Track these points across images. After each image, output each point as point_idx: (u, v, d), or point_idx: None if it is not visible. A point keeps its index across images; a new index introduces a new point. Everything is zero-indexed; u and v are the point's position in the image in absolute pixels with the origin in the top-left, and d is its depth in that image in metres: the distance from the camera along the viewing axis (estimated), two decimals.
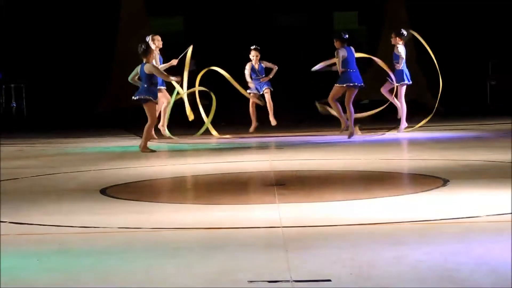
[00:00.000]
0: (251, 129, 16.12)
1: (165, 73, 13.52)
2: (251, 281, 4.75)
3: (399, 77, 15.25)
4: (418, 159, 11.22)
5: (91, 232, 6.47)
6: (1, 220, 6.93)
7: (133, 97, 13.02)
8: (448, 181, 8.70)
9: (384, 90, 15.46)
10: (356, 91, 14.80)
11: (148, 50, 12.95)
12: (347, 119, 14.71)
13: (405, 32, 15.40)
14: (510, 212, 6.72)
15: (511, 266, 4.93)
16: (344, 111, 14.84)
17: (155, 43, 14.77)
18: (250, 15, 26.86)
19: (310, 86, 24.37)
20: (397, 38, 15.30)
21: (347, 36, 14.90)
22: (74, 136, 17.05)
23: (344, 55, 14.63)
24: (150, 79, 12.91)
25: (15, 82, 22.62)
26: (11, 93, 22.53)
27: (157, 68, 13.21)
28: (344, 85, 14.76)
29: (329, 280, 4.73)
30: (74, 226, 6.69)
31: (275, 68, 15.97)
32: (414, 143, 13.71)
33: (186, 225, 6.68)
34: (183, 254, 5.56)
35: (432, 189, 8.27)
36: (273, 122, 16.07)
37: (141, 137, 13.29)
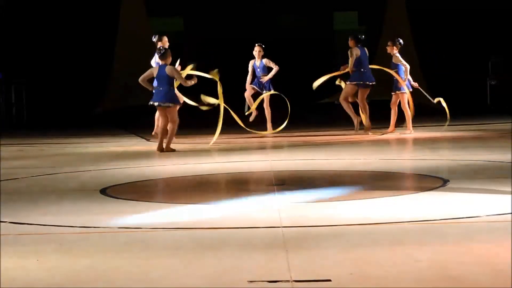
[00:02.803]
0: (252, 118, 16.01)
1: (184, 78, 13.40)
2: (251, 281, 4.75)
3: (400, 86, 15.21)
4: (418, 159, 11.23)
5: (91, 232, 6.47)
6: (1, 220, 6.94)
7: (154, 103, 12.89)
8: (448, 181, 8.70)
9: (395, 105, 15.35)
10: (368, 90, 14.83)
11: (166, 53, 13.02)
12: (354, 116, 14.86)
13: (401, 41, 15.37)
14: (510, 212, 6.72)
15: (511, 266, 4.93)
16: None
17: (163, 44, 14.63)
18: (250, 15, 26.86)
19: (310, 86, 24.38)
20: (394, 47, 15.25)
21: (363, 36, 14.96)
22: (74, 136, 17.05)
23: (358, 53, 14.66)
24: (171, 82, 12.93)
25: (16, 82, 22.60)
26: (11, 93, 22.51)
27: (178, 72, 13.21)
28: (355, 83, 14.78)
29: (329, 280, 4.73)
30: (74, 226, 6.70)
31: (276, 68, 15.86)
32: (414, 143, 13.71)
33: (186, 225, 6.68)
34: (183, 254, 5.56)
35: (432, 189, 8.27)
36: (269, 129, 15.96)
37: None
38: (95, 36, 25.11)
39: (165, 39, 14.55)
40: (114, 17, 25.62)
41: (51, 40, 24.79)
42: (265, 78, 15.84)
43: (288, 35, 27.12)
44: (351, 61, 14.80)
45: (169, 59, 13.06)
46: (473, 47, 23.89)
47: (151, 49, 24.05)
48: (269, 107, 16.00)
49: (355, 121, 15.22)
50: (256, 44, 16.06)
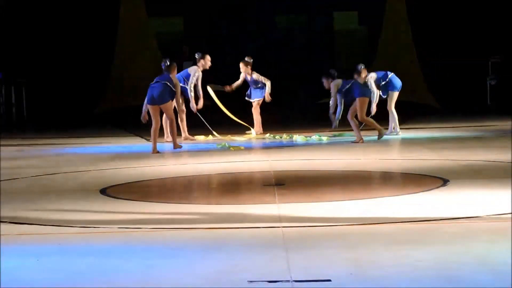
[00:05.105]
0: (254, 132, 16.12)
1: (179, 98, 13.69)
2: (251, 281, 4.75)
3: (383, 93, 15.12)
4: (418, 159, 11.23)
5: (91, 232, 6.47)
6: (1, 220, 6.94)
7: (152, 105, 12.97)
8: (448, 181, 8.71)
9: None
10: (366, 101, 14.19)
11: (171, 66, 13.32)
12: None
13: (361, 66, 14.96)
14: (510, 212, 6.72)
15: (511, 266, 4.93)
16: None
17: (205, 62, 14.93)
18: (249, 16, 26.86)
19: (310, 87, 24.37)
20: (361, 74, 14.81)
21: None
22: (74, 136, 17.05)
23: (338, 83, 14.03)
24: (171, 84, 13.01)
25: (15, 82, 22.59)
26: (11, 93, 22.50)
27: (179, 88, 13.40)
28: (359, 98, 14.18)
29: (329, 280, 4.74)
30: (74, 226, 6.70)
31: (268, 83, 15.96)
32: (413, 143, 13.70)
33: (186, 225, 6.68)
34: (183, 254, 5.56)
35: (432, 189, 8.27)
36: (258, 131, 16.06)
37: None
38: (95, 36, 25.10)
39: (208, 58, 14.92)
40: (114, 17, 25.61)
41: (51, 40, 24.77)
42: (268, 98, 15.92)
43: (287, 35, 27.11)
44: (333, 94, 14.11)
45: (174, 72, 13.29)
46: (473, 47, 23.88)
47: (151, 49, 24.06)
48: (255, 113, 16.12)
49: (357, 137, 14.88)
50: (241, 63, 16.05)
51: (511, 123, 16.30)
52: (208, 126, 15.18)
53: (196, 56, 15.13)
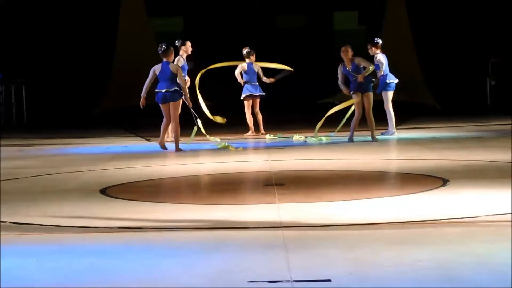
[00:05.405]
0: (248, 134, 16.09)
1: (184, 80, 13.53)
2: (251, 281, 4.75)
3: (381, 85, 15.11)
4: (418, 159, 11.23)
5: (91, 232, 6.47)
6: (1, 220, 6.94)
7: (164, 103, 12.94)
8: (448, 181, 8.71)
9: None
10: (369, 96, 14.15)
11: (168, 50, 13.10)
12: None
13: (379, 40, 15.39)
14: (510, 212, 6.72)
15: (511, 266, 4.93)
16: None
17: (186, 48, 14.92)
18: (250, 16, 26.86)
19: (309, 86, 24.35)
20: (373, 48, 15.25)
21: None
22: (74, 136, 17.05)
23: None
24: (175, 79, 12.92)
25: (15, 82, 22.58)
26: (11, 93, 22.49)
27: (181, 71, 13.26)
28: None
29: (329, 280, 4.74)
30: (74, 226, 6.70)
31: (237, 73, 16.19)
32: (413, 143, 13.71)
33: (186, 225, 6.69)
34: (183, 254, 5.56)
35: (432, 189, 8.27)
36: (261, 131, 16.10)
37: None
38: (95, 36, 25.09)
39: (188, 43, 14.88)
40: (114, 17, 25.60)
41: (51, 40, 24.76)
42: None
43: (287, 35, 27.11)
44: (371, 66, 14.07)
45: (172, 57, 13.15)
46: (473, 47, 23.87)
47: (151, 49, 24.07)
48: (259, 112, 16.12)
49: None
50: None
51: (511, 123, 16.30)
52: (197, 122, 15.16)
53: (177, 43, 15.00)
